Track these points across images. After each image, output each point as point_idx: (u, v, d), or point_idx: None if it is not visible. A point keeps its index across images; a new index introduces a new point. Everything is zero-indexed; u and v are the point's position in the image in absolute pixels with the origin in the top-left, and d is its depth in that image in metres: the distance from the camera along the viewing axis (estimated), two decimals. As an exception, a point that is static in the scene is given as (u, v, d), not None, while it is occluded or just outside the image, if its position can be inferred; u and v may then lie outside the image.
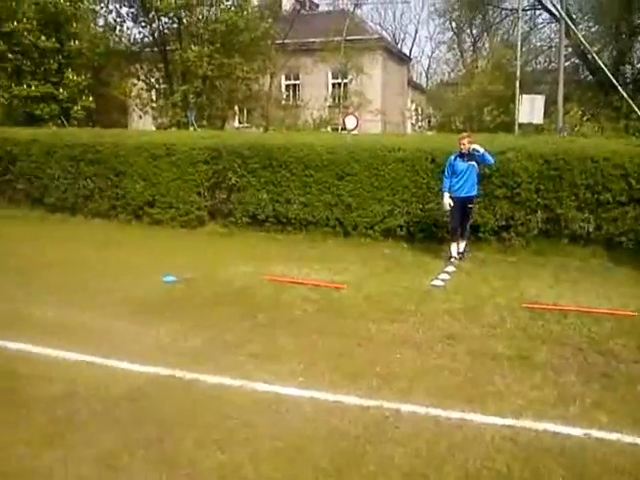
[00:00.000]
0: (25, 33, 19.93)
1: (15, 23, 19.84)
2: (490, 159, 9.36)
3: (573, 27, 15.61)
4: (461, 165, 9.32)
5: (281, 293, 7.34)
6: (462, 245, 9.59)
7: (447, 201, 9.36)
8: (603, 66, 14.72)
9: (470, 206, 9.49)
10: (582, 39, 16.69)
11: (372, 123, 26.07)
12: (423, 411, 4.25)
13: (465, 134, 10.13)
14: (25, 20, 19.89)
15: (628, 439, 3.84)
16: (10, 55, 20.26)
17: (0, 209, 13.77)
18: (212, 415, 4.17)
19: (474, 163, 9.36)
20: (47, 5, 20.23)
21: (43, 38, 20.24)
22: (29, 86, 20.47)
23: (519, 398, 4.45)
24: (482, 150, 9.25)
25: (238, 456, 3.64)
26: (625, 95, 14.42)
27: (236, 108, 25.93)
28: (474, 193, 9.51)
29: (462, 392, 4.57)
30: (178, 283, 7.80)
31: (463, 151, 9.31)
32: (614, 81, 13.86)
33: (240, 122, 28.32)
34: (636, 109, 13.63)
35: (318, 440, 3.85)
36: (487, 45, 31.24)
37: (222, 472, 3.48)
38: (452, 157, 9.43)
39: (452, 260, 9.29)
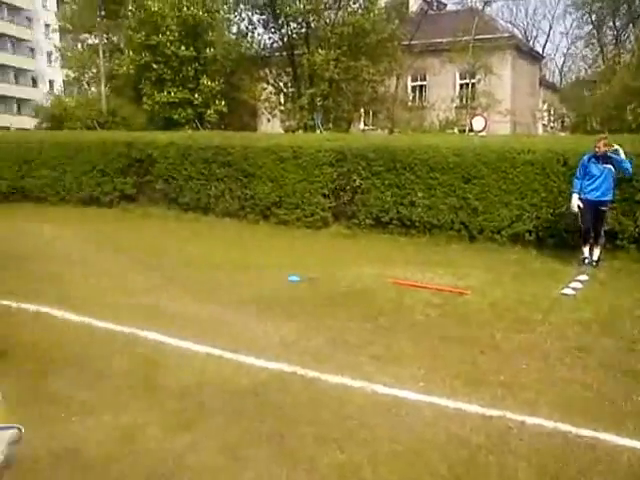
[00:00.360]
0: (168, 44, 21.35)
1: (160, 36, 21.31)
2: (629, 168, 8.89)
3: None
4: (595, 168, 8.90)
5: (403, 296, 7.29)
6: (596, 252, 9.08)
7: (575, 202, 9.02)
8: None
9: (603, 209, 8.98)
10: None
11: (501, 124, 25.28)
12: (550, 425, 4.04)
13: (602, 135, 9.66)
14: (168, 32, 21.32)
15: None
16: (154, 65, 21.80)
17: (140, 207, 14.78)
18: (332, 414, 4.23)
19: (610, 167, 8.87)
20: (188, 17, 21.54)
21: (183, 48, 21.59)
22: (169, 93, 21.90)
23: (661, 421, 4.13)
24: (622, 154, 8.78)
25: (357, 456, 3.66)
26: None
27: (362, 110, 26.12)
28: (608, 197, 9.01)
29: (594, 409, 4.30)
30: (302, 282, 7.99)
31: (598, 154, 8.90)
32: None
33: (365, 124, 28.50)
34: None
35: (437, 446, 3.78)
36: (632, 38, 29.25)
37: (341, 471, 3.52)
38: (585, 158, 9.03)
39: (585, 264, 8.90)
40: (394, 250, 10.45)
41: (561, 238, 10.01)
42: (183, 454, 3.67)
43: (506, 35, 31.36)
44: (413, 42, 26.88)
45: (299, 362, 5.15)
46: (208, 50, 22.37)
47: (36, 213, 14.70)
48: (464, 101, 28.79)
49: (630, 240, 9.44)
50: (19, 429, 1.26)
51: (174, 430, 3.94)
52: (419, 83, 31.85)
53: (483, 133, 18.72)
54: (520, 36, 38.88)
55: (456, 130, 24.47)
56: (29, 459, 3.30)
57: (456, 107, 28.27)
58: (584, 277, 8.36)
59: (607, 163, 8.85)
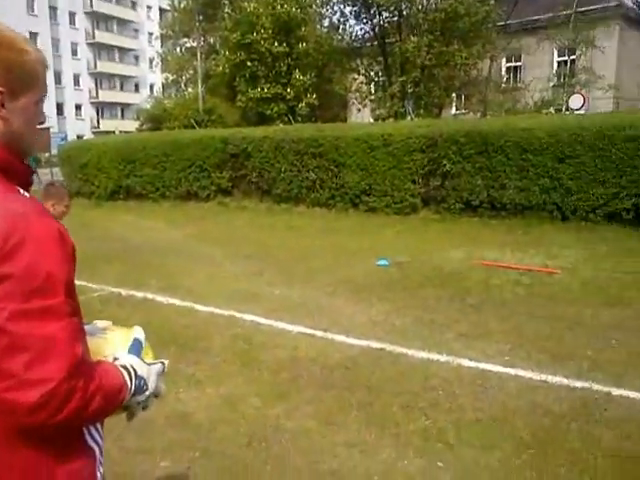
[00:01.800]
0: (262, 42, 22.01)
1: (254, 34, 22.01)
2: None
3: None
4: None
5: (492, 277, 7.34)
6: None
7: None
8: None
9: None
10: None
11: (603, 101, 24.10)
12: (637, 396, 4.07)
13: None
14: (262, 30, 21.97)
15: None
16: (249, 63, 22.54)
17: (235, 200, 15.44)
18: (418, 385, 4.43)
19: None
20: (281, 14, 22.09)
21: (276, 44, 22.20)
22: (262, 89, 22.57)
23: None
24: None
25: (441, 423, 3.85)
26: None
27: (453, 95, 25.75)
28: None
29: (685, 381, 4.27)
30: (391, 266, 8.19)
31: None
32: None
33: (457, 109, 28.05)
34: None
35: (520, 414, 3.91)
36: None
37: (425, 435, 3.72)
38: None
39: None
40: (484, 233, 10.43)
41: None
42: (280, 420, 3.99)
43: (613, 4, 29.55)
44: (509, 22, 26.06)
45: (387, 339, 5.39)
46: (300, 45, 22.83)
47: (139, 209, 15.77)
48: (562, 79, 27.65)
49: None
50: (163, 363, 1.46)
51: (271, 399, 4.27)
52: (514, 64, 30.85)
53: (581, 111, 18.06)
54: (631, 3, 36.28)
55: (552, 110, 23.61)
56: (146, 420, 3.73)
57: (553, 86, 27.21)
58: (686, 255, 8.05)
59: None
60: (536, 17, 26.63)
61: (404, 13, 22.29)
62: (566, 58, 27.50)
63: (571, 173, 10.51)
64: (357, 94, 24.09)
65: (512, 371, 4.59)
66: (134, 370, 1.33)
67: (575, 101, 19.12)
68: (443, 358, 4.92)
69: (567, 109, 20.12)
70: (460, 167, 11.77)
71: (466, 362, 4.81)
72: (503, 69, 30.54)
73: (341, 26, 24.42)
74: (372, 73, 24.44)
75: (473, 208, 11.62)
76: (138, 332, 1.46)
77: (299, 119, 21.39)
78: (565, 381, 4.35)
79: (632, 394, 4.10)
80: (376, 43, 23.55)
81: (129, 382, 1.30)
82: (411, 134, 12.58)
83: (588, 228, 10.07)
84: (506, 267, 7.75)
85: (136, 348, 1.41)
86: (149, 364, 1.40)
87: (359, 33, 24.61)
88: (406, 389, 4.38)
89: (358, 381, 4.56)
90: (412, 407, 4.08)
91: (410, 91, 21.63)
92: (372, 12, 22.73)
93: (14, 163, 1.28)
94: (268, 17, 22.01)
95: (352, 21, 24.12)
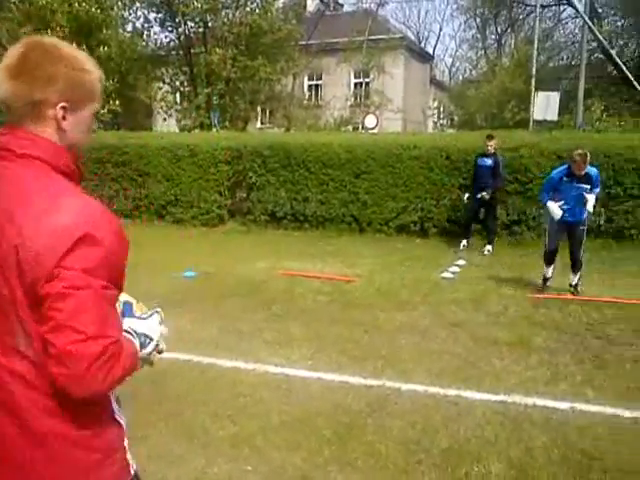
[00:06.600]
0: (58, 41, 20.59)
1: (49, 31, 20.50)
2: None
3: (590, 24, 15.67)
4: (569, 186, 7.08)
5: (295, 286, 7.67)
6: (575, 278, 7.46)
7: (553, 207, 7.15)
8: (619, 61, 14.78)
9: (582, 228, 7.33)
10: (599, 35, 16.73)
11: (393, 122, 26.31)
12: (422, 389, 4.54)
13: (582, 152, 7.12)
14: (58, 28, 20.55)
15: (610, 411, 4.11)
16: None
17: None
18: (226, 393, 4.50)
19: (588, 187, 7.08)
20: (79, 14, 20.88)
21: (74, 45, 20.87)
22: (58, 92, 21.11)
23: (513, 377, 4.73)
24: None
25: (249, 428, 3.96)
26: (640, 89, 14.52)
27: (258, 109, 26.34)
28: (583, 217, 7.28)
29: (461, 373, 4.85)
30: (198, 278, 8.18)
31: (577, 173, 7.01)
32: (629, 76, 13.94)
33: (262, 123, 28.76)
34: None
35: (323, 414, 4.16)
36: (510, 42, 31.28)
37: (234, 441, 3.81)
38: (556, 174, 7.24)
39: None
40: (288, 244, 10.86)
41: (443, 228, 10.81)
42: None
43: (398, 36, 32.47)
44: (310, 42, 27.36)
45: (195, 350, 5.39)
46: (102, 49, 21.79)
47: None
48: (358, 99, 29.70)
49: (502, 227, 10.34)
50: (157, 311, 1.64)
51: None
52: (315, 82, 32.44)
53: (375, 130, 19.55)
54: (413, 37, 40.34)
55: (350, 128, 25.25)
56: None
57: (350, 106, 29.10)
58: (462, 262, 9.12)
59: (584, 182, 7.07)
60: (335, 40, 28.33)
61: (209, 25, 22.38)
62: (361, 80, 29.61)
63: (366, 188, 11.36)
64: (162, 103, 23.62)
65: (315, 374, 4.86)
66: (134, 330, 1.52)
67: (370, 121, 20.63)
68: (250, 366, 5.05)
69: (363, 128, 21.63)
70: (265, 180, 12.13)
71: (272, 368, 4.99)
72: (305, 86, 31.95)
73: (145, 32, 23.80)
74: (178, 82, 24.12)
75: (278, 220, 12.03)
76: (122, 296, 1.58)
77: (101, 125, 20.44)
78: (363, 380, 4.71)
79: (418, 387, 4.58)
80: (182, 52, 23.32)
81: (136, 343, 1.49)
82: (217, 146, 12.71)
83: (382, 239, 10.97)
84: (309, 276, 8.15)
85: (127, 310, 1.60)
86: (145, 318, 1.60)
87: (164, 41, 24.20)
88: (215, 398, 4.43)
89: (166, 393, 4.53)
90: (221, 415, 4.15)
91: (216, 103, 21.70)
92: (177, 21, 22.47)
93: (73, 167, 1.46)
94: (64, 14, 20.71)
95: (157, 28, 23.65)
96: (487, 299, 7.03)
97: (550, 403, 4.24)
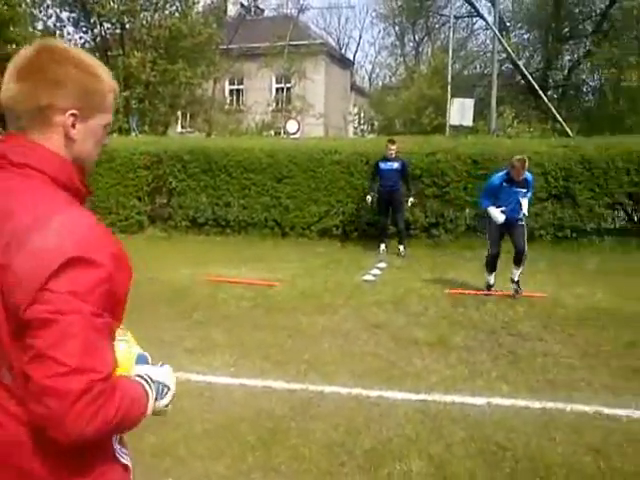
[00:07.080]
0: (-42, 37, 19.59)
1: (-53, 25, 19.46)
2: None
3: (500, 36, 16.36)
4: (508, 191, 7.26)
5: (218, 292, 7.60)
6: (517, 272, 7.56)
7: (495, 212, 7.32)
8: (525, 71, 15.54)
9: (521, 223, 7.52)
10: (507, 47, 17.52)
11: (314, 127, 26.52)
12: (345, 391, 4.59)
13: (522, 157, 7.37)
14: (-41, 23, 19.54)
15: (522, 403, 4.31)
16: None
17: None
18: (147, 404, 4.40)
19: (525, 190, 7.34)
20: (-17, 9, 19.91)
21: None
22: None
23: (434, 376, 4.86)
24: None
25: (171, 438, 3.87)
26: (546, 99, 15.29)
27: (179, 113, 25.95)
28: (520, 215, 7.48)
29: (383, 373, 4.93)
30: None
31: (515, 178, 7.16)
32: (535, 85, 14.66)
33: (183, 127, 28.33)
34: (555, 112, 14.46)
35: (246, 420, 4.12)
36: (427, 50, 32.20)
37: (156, 451, 3.71)
38: (497, 179, 7.35)
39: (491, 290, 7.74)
40: (210, 250, 10.74)
41: (363, 231, 10.98)
42: None
43: (319, 42, 32.80)
44: (231, 46, 27.19)
45: (114, 360, 5.23)
46: (10, 47, 20.85)
47: None
48: (280, 105, 29.76)
49: (421, 230, 10.62)
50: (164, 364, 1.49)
51: None
52: (237, 87, 32.27)
53: (297, 136, 19.63)
54: (334, 43, 40.77)
55: (272, 133, 25.27)
56: None
57: (272, 111, 29.13)
58: (383, 264, 9.30)
59: (521, 186, 7.29)
60: (256, 44, 28.30)
61: (127, 27, 21.86)
62: (283, 85, 29.69)
63: (288, 192, 11.40)
64: (77, 106, 22.86)
65: (238, 381, 4.82)
66: (149, 377, 1.39)
67: (291, 126, 20.69)
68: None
69: (285, 133, 21.69)
70: (185, 185, 11.95)
71: (194, 376, 4.90)
72: (227, 91, 31.74)
73: (58, 32, 22.94)
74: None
75: (199, 226, 11.88)
76: (135, 347, 1.49)
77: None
78: (286, 385, 4.71)
79: (341, 390, 4.62)
80: (98, 55, 22.65)
81: (149, 389, 1.35)
82: (135, 150, 12.43)
83: (304, 243, 11.04)
84: (231, 282, 8.08)
85: (142, 359, 1.45)
86: (160, 367, 1.48)
87: (79, 42, 23.41)
88: (134, 409, 4.31)
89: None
90: (141, 427, 4.01)
91: (135, 107, 21.22)
92: (92, 21, 21.84)
93: (78, 184, 1.33)
94: (-34, 8, 19.71)
95: (71, 28, 22.87)
96: (408, 300, 7.19)
97: (468, 399, 4.39)
